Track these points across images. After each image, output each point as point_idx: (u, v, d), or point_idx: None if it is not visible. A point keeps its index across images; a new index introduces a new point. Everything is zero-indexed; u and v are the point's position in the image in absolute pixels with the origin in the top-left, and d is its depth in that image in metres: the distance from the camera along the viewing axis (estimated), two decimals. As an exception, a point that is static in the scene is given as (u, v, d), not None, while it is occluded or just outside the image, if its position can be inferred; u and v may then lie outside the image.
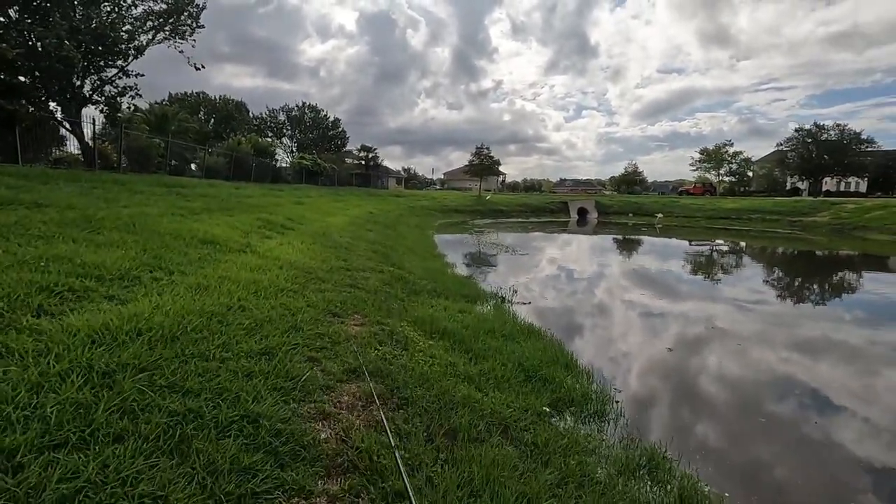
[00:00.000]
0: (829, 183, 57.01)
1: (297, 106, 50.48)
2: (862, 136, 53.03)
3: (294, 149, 49.25)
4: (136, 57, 17.15)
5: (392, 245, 13.99)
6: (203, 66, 20.16)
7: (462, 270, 13.02)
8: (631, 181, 67.25)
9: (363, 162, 52.09)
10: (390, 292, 7.37)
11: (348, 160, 53.08)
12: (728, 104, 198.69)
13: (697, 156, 62.66)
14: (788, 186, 61.64)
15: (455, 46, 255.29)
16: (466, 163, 53.18)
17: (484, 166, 49.67)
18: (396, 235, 18.02)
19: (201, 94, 48.30)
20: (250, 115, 48.94)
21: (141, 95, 17.93)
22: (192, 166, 23.53)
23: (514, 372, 4.99)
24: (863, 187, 59.42)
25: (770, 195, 55.00)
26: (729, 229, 34.29)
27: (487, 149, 49.73)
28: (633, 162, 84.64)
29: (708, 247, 24.97)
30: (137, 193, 11.08)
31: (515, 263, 16.01)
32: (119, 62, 16.86)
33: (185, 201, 11.70)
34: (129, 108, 19.24)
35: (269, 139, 40.80)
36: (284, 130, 49.94)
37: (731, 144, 61.42)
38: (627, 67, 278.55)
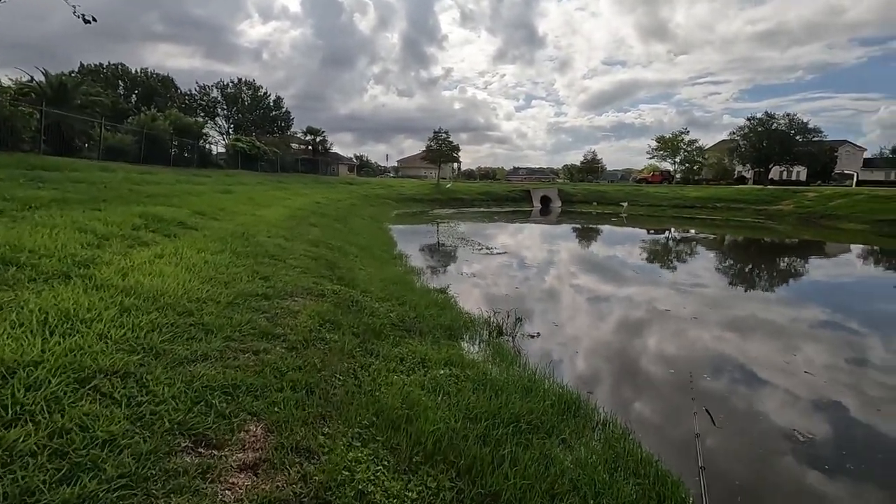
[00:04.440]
0: (774, 172, 58.28)
1: (231, 82, 45.15)
2: (808, 126, 54.39)
3: (230, 130, 44.08)
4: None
5: (341, 246, 10.86)
6: (94, 19, 15.88)
7: (432, 279, 10.14)
8: (592, 169, 66.42)
9: (310, 146, 47.65)
10: (332, 341, 4.40)
11: (294, 145, 48.42)
12: (669, 96, 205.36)
13: (654, 143, 62.64)
14: (736, 175, 62.71)
15: (404, 32, 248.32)
16: (420, 150, 50.11)
17: (442, 152, 46.61)
18: (347, 231, 14.83)
19: (119, 67, 42.15)
20: (178, 91, 43.21)
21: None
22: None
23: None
24: (804, 176, 61.27)
25: (720, 183, 55.43)
26: (697, 219, 33.30)
27: (446, 133, 46.75)
28: (592, 150, 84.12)
29: (690, 237, 23.46)
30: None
31: (495, 266, 13.29)
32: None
33: (31, 190, 8.10)
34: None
35: (199, 118, 35.78)
36: (218, 110, 44.52)
37: (687, 132, 61.74)
38: (574, 59, 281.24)
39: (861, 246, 21.05)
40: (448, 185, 45.98)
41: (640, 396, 5.29)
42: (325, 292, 6.11)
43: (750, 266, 16.11)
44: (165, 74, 44.15)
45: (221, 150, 36.35)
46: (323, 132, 47.91)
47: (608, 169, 77.01)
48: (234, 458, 2.43)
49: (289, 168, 37.67)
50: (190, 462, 2.30)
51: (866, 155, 64.73)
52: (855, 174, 56.69)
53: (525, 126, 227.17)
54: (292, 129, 50.52)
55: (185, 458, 2.32)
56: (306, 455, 2.57)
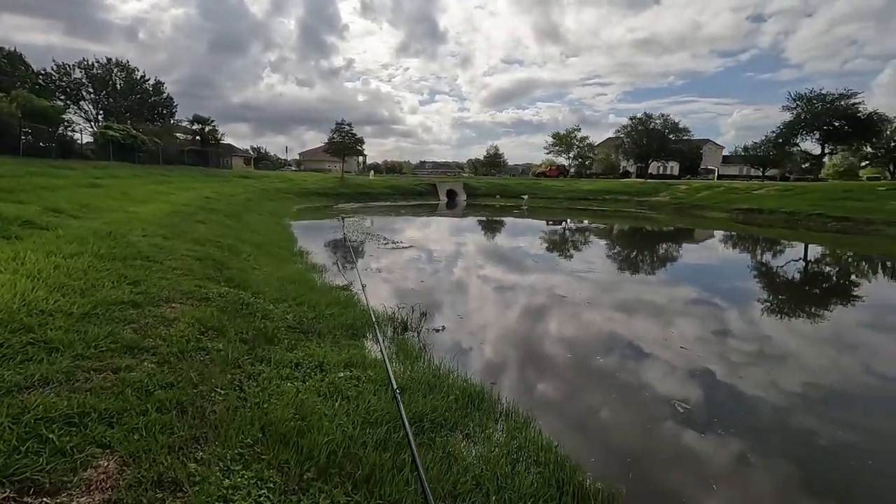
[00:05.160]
0: (652, 166, 64.89)
1: (97, 62, 39.52)
2: (679, 126, 61.25)
3: (99, 117, 38.71)
4: None
5: (232, 244, 9.97)
6: None
7: (336, 276, 9.70)
8: (494, 164, 68.76)
9: (198, 137, 43.56)
10: (214, 350, 3.93)
11: (180, 135, 43.93)
12: (562, 95, 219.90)
13: (550, 140, 66.42)
14: (622, 170, 68.77)
15: (302, 19, 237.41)
16: (323, 142, 48.13)
17: (346, 145, 45.15)
18: (241, 228, 13.71)
19: (-53, 38, 34.97)
20: (30, 70, 36.87)
21: None
22: None
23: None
24: (677, 171, 68.91)
25: (608, 177, 60.52)
26: (589, 210, 35.92)
27: (349, 125, 45.28)
28: (495, 145, 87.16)
29: (574, 226, 25.18)
30: None
31: (402, 260, 13.10)
32: None
33: None
34: None
35: (58, 102, 30.87)
36: (84, 93, 38.75)
37: (579, 130, 66.28)
38: (475, 55, 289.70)
39: (722, 231, 24.10)
40: (371, 176, 45.00)
41: (541, 382, 5.46)
42: (209, 296, 5.51)
43: (635, 252, 17.67)
44: (12, 49, 37.53)
45: (89, 139, 31.96)
46: (213, 121, 43.99)
47: (510, 163, 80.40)
48: (73, 504, 2.00)
49: (174, 160, 34.04)
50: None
51: (724, 153, 74.24)
52: (716, 169, 64.82)
53: (430, 120, 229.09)
54: (177, 118, 45.81)
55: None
56: (171, 489, 2.20)
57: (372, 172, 50.23)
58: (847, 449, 4.10)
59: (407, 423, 2.59)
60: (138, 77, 42.14)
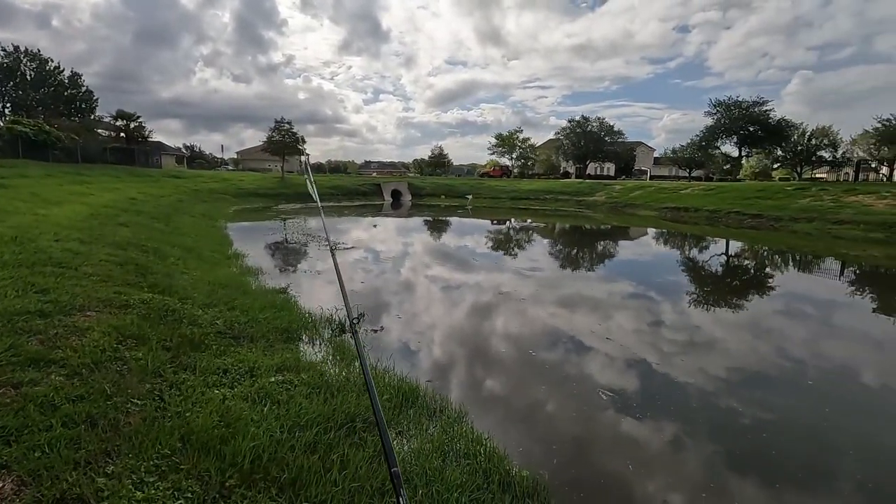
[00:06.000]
0: (590, 167, 67.86)
1: (3, 49, 35.81)
2: (614, 129, 64.52)
3: (6, 111, 35.17)
4: None
5: (158, 248, 9.42)
6: None
7: (273, 279, 9.41)
8: (440, 163, 69.16)
9: (123, 133, 40.60)
10: (133, 359, 3.73)
11: (102, 131, 40.75)
12: (505, 97, 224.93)
13: (493, 141, 67.76)
14: (562, 170, 71.40)
15: (237, 12, 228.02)
16: (262, 141, 46.35)
17: (285, 143, 43.75)
18: (170, 231, 12.97)
19: None
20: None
21: None
22: None
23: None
24: (612, 171, 72.50)
25: (549, 177, 62.68)
26: (531, 209, 36.98)
27: (289, 123, 43.89)
28: (439, 145, 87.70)
29: (518, 225, 25.87)
30: None
31: (345, 262, 12.90)
32: None
33: None
34: None
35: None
36: (-14, 84, 35.05)
37: (521, 131, 68.07)
38: (418, 55, 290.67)
39: (653, 229, 25.60)
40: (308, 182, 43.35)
41: (478, 377, 5.58)
42: (130, 303, 5.20)
43: (575, 250, 18.40)
44: None
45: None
46: (138, 117, 41.05)
47: (455, 164, 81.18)
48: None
49: (95, 158, 31.57)
50: None
51: (656, 154, 78.85)
52: (648, 170, 68.67)
53: (374, 120, 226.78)
54: (98, 114, 42.49)
55: None
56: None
57: (308, 179, 48.43)
58: (765, 425, 4.51)
59: (364, 358, 2.58)
60: (52, 68, 38.68)
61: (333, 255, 2.78)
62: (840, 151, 46.25)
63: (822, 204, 25.36)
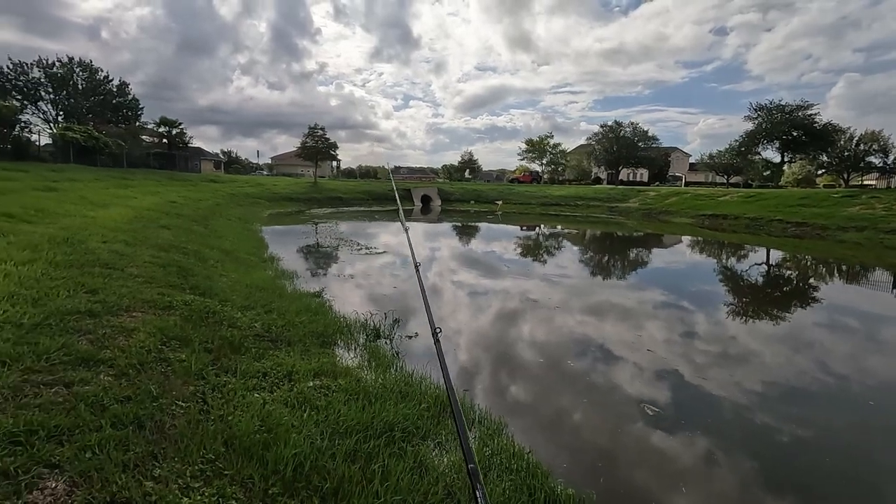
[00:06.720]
0: (623, 173, 66.55)
1: (59, 61, 37.93)
2: (648, 134, 63.19)
3: (59, 118, 37.13)
4: None
5: (198, 250, 9.68)
6: None
7: (307, 283, 9.52)
8: (470, 168, 69.40)
9: (165, 139, 42.27)
10: (176, 361, 3.78)
11: (146, 137, 42.53)
12: (534, 103, 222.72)
13: (523, 146, 67.28)
14: (593, 176, 70.27)
15: (273, 22, 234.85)
16: (295, 146, 47.43)
17: (319, 149, 44.64)
18: (208, 234, 13.34)
19: None
20: (-17, 69, 35.11)
21: None
22: None
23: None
24: (646, 177, 70.87)
25: (581, 183, 61.76)
26: (561, 215, 36.45)
27: (322, 129, 44.78)
28: (469, 150, 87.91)
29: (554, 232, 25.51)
30: None
31: (376, 266, 12.98)
32: None
33: None
34: None
35: (13, 102, 29.44)
36: (42, 93, 37.10)
37: (552, 136, 67.31)
38: (448, 62, 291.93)
39: (689, 237, 24.81)
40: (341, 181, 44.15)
41: (514, 387, 5.46)
42: (173, 304, 5.32)
43: (606, 257, 17.99)
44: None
45: (48, 141, 30.66)
46: (180, 123, 42.70)
47: (484, 169, 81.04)
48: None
49: (138, 163, 33.03)
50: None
51: (691, 160, 76.70)
52: (683, 176, 66.84)
53: (404, 125, 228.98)
54: (143, 120, 44.31)
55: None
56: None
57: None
58: (806, 444, 4.24)
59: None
60: (101, 77, 40.61)
61: (418, 271, 2.76)
62: (891, 157, 43.82)
63: (873, 212, 24.02)
